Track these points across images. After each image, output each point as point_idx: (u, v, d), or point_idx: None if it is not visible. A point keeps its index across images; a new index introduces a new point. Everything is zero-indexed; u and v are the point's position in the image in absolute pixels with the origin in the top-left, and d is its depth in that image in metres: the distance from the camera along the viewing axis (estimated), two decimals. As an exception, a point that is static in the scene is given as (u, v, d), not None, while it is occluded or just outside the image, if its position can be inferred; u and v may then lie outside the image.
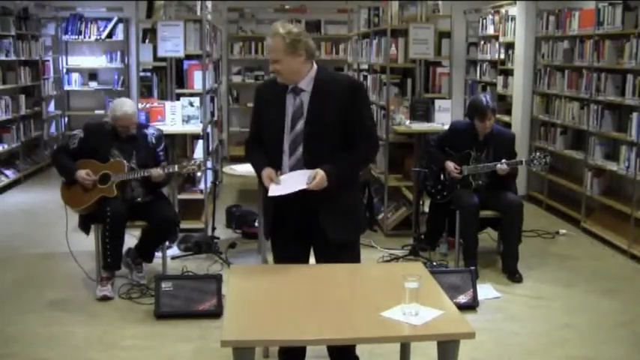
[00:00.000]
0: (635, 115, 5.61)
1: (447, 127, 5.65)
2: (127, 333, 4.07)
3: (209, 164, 6.24)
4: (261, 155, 3.15)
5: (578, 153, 6.73)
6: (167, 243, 5.13)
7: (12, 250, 5.70)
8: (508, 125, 7.74)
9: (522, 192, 7.31)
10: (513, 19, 8.09)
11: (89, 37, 9.78)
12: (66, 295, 4.66)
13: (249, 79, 10.35)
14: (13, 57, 8.20)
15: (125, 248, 4.77)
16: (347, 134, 3.04)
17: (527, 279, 5.05)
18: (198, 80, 6.07)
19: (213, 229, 5.81)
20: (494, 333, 4.13)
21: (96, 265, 4.77)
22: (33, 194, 7.85)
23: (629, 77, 5.73)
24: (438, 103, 6.14)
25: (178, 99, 5.96)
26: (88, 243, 4.88)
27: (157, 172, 4.55)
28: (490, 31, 9.28)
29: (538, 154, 5.12)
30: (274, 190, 3.01)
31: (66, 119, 10.21)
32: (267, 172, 3.05)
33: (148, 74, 6.26)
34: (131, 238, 5.08)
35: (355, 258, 3.22)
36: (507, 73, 8.48)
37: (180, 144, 6.24)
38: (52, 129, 9.96)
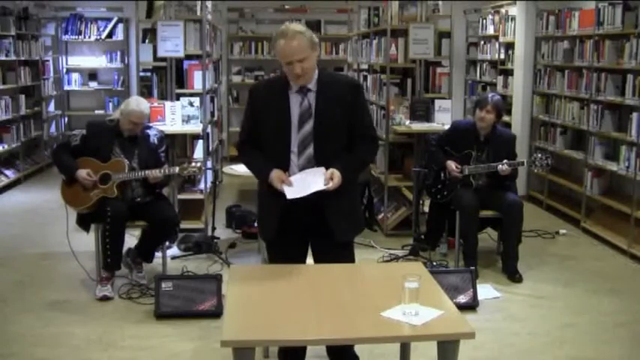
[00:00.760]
0: (635, 115, 5.61)
1: (447, 127, 5.64)
2: (127, 333, 4.07)
3: (209, 164, 6.24)
4: (261, 158, 3.11)
5: (578, 153, 6.73)
6: (167, 243, 5.14)
7: (12, 250, 5.70)
8: (508, 125, 7.73)
9: (522, 192, 7.31)
10: (513, 19, 8.10)
11: (89, 37, 9.79)
12: (66, 295, 4.66)
13: (249, 79, 10.34)
14: (13, 57, 8.20)
15: (125, 248, 4.77)
16: (350, 134, 3.08)
17: (527, 279, 5.05)
18: (198, 80, 6.07)
19: (213, 229, 5.81)
20: (495, 333, 4.13)
21: (96, 265, 4.77)
22: (33, 194, 7.85)
23: (629, 77, 5.73)
24: (438, 103, 6.14)
25: (178, 99, 5.95)
26: (88, 243, 4.89)
27: (154, 173, 4.55)
28: (490, 31, 9.28)
29: (540, 155, 5.12)
30: (292, 193, 2.95)
31: (66, 119, 10.22)
32: (278, 174, 3.00)
33: (148, 74, 6.26)
34: (131, 238, 5.08)
35: (352, 257, 3.25)
36: (507, 73, 8.48)
37: (180, 144, 6.24)
38: (52, 129, 9.96)
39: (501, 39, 8.66)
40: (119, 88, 9.87)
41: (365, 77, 7.41)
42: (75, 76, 10.05)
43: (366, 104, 3.26)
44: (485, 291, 4.73)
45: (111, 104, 9.86)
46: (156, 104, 5.90)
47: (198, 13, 6.33)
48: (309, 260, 3.24)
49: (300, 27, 2.98)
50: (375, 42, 6.77)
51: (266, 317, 2.51)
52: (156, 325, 4.19)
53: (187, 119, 5.90)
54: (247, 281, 2.88)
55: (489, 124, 5.11)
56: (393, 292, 2.55)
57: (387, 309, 2.50)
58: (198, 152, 6.13)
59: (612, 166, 6.01)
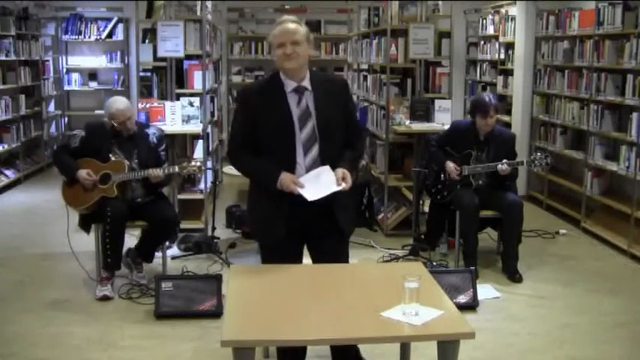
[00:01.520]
0: (635, 115, 5.61)
1: (447, 127, 5.64)
2: (127, 333, 4.07)
3: (209, 164, 6.24)
4: (263, 163, 3.05)
5: (578, 153, 6.73)
6: (167, 243, 5.14)
7: (12, 250, 5.70)
8: (508, 125, 7.74)
9: (522, 192, 7.31)
10: (513, 19, 8.09)
11: (89, 37, 9.79)
12: (66, 295, 4.66)
13: (249, 79, 10.35)
14: (13, 57, 8.20)
15: (125, 248, 4.78)
16: (346, 131, 3.13)
17: (527, 279, 5.05)
18: (198, 80, 6.06)
19: (213, 229, 5.81)
20: (494, 333, 4.13)
21: (96, 265, 4.78)
22: (33, 194, 7.85)
23: (629, 77, 5.73)
24: (438, 103, 6.14)
25: (178, 99, 5.95)
26: (88, 243, 4.89)
27: (155, 172, 4.55)
28: (490, 31, 9.28)
29: (539, 154, 5.12)
30: (311, 194, 2.94)
31: (66, 119, 10.21)
32: (289, 176, 2.97)
33: (148, 74, 6.26)
34: (131, 238, 5.09)
35: (347, 255, 3.28)
36: (507, 73, 8.48)
37: (180, 144, 6.24)
38: (52, 129, 9.96)
39: (501, 39, 8.66)
40: (119, 88, 9.86)
41: (365, 77, 7.42)
42: (75, 76, 10.05)
43: (353, 103, 3.41)
44: (486, 291, 4.73)
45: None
46: (156, 104, 5.90)
47: (198, 13, 6.33)
48: (306, 260, 3.24)
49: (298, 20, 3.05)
50: (375, 42, 6.77)
51: (266, 317, 2.50)
52: (156, 325, 4.19)
53: (187, 119, 5.90)
54: (247, 281, 2.88)
55: (493, 125, 5.13)
56: (393, 292, 2.55)
57: (387, 309, 2.50)
58: (198, 152, 6.13)
59: (612, 166, 6.01)
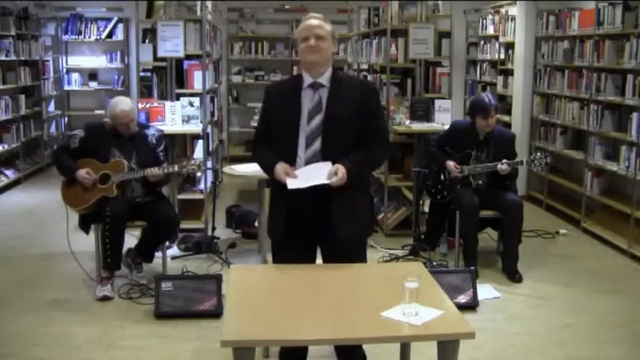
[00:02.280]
0: (635, 115, 5.61)
1: (447, 127, 5.65)
2: (127, 333, 4.07)
3: (209, 164, 6.24)
4: (270, 153, 3.11)
5: (578, 153, 6.73)
6: (167, 243, 5.14)
7: (12, 250, 5.71)
8: (508, 125, 7.74)
9: (522, 192, 7.31)
10: (513, 19, 8.09)
11: (89, 37, 9.78)
12: (66, 295, 4.66)
13: (249, 79, 10.36)
14: (13, 57, 8.21)
15: (125, 248, 4.78)
16: (361, 134, 3.07)
17: (527, 279, 5.05)
18: (198, 80, 6.06)
19: (213, 229, 5.81)
20: (494, 333, 4.13)
21: (96, 265, 4.78)
22: (33, 194, 7.85)
23: (629, 77, 5.73)
24: (438, 103, 6.14)
25: (178, 99, 5.95)
26: (88, 243, 4.89)
27: (154, 171, 4.55)
28: (490, 31, 9.28)
29: (539, 154, 5.12)
30: (293, 184, 2.96)
31: (66, 119, 10.21)
32: (282, 166, 3.01)
33: (148, 74, 6.26)
34: (131, 238, 5.09)
35: (363, 258, 3.25)
36: (507, 73, 8.48)
37: (180, 144, 6.24)
38: (52, 129, 9.96)
39: (501, 39, 8.65)
40: (119, 88, 9.86)
41: (365, 77, 7.41)
42: (75, 76, 10.05)
43: (381, 109, 3.27)
44: (486, 291, 4.73)
45: (109, 105, 9.84)
46: (156, 104, 5.90)
47: (198, 13, 6.33)
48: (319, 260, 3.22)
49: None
50: (375, 42, 6.77)
51: (266, 317, 2.50)
52: (156, 325, 4.19)
53: (187, 119, 5.90)
54: (247, 281, 2.88)
55: (493, 125, 5.13)
56: (393, 292, 2.55)
57: (387, 309, 2.50)
58: (198, 152, 6.13)
59: (612, 166, 6.01)
